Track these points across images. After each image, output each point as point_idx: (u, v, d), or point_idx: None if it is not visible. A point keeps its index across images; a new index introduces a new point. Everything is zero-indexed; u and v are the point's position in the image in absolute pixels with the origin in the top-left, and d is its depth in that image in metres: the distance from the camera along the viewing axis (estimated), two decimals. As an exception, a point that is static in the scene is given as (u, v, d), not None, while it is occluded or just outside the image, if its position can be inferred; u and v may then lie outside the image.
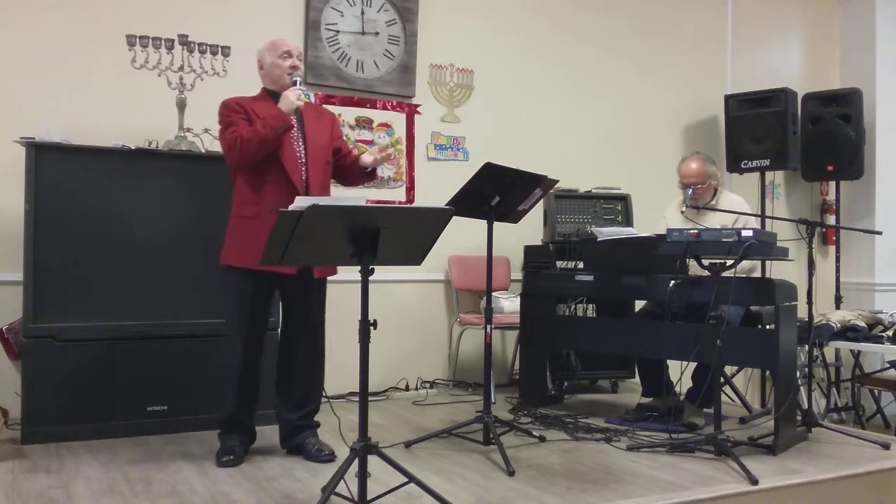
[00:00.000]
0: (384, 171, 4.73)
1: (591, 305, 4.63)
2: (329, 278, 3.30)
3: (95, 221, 3.49)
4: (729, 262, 3.28)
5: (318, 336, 3.26)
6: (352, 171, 3.34)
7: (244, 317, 3.11)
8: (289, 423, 3.22)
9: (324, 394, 3.30)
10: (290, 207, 2.32)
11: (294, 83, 3.11)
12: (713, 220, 3.91)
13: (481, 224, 3.39)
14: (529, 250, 4.82)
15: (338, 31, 4.60)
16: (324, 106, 4.42)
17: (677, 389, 3.80)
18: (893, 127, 6.06)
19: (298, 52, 3.25)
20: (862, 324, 4.72)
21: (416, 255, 2.65)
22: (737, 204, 4.00)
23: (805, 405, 3.83)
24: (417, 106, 4.86)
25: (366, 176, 3.35)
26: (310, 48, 4.48)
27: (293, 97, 3.05)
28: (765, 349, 3.43)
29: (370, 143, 4.69)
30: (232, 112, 3.12)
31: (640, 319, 4.08)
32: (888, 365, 5.04)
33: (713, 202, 4.04)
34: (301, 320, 3.20)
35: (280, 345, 3.27)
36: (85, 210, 3.48)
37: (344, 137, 3.38)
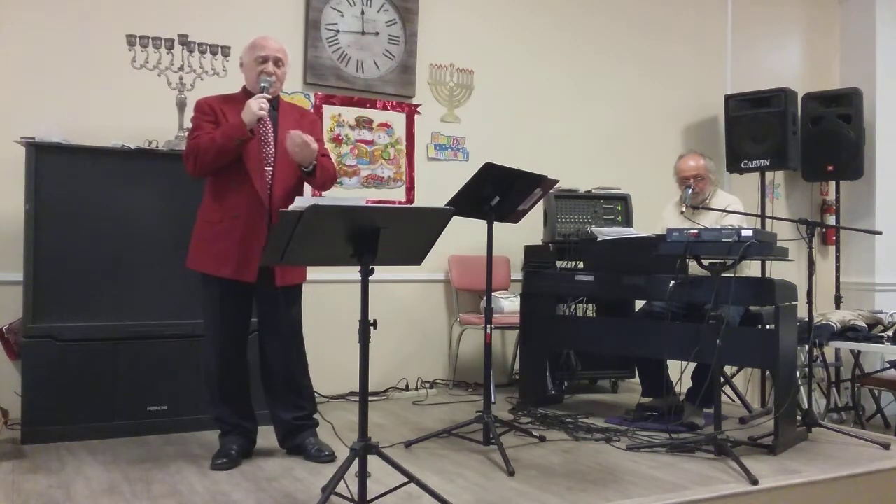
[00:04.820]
0: (384, 172, 4.73)
1: (591, 305, 4.64)
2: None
3: (95, 221, 3.49)
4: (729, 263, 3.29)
5: (295, 343, 3.18)
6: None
7: (216, 321, 3.08)
8: (286, 424, 3.20)
9: (321, 395, 3.28)
10: (291, 207, 2.32)
11: (262, 90, 2.98)
12: (710, 219, 3.92)
13: (481, 224, 3.39)
14: (529, 250, 4.82)
15: (338, 31, 4.60)
16: (324, 105, 4.43)
17: (677, 389, 3.81)
18: (893, 127, 6.06)
19: (276, 57, 3.05)
20: (862, 324, 4.73)
21: (416, 255, 2.65)
22: (732, 204, 4.01)
23: (805, 405, 3.83)
24: (417, 106, 4.86)
25: (306, 176, 3.07)
26: (310, 48, 4.48)
27: (255, 107, 2.88)
28: (765, 349, 3.43)
29: (370, 143, 4.69)
30: (201, 114, 3.04)
31: (640, 319, 4.08)
32: (888, 365, 5.04)
33: (708, 201, 4.05)
34: (271, 328, 3.14)
35: (259, 349, 3.22)
36: (85, 210, 3.48)
37: (325, 143, 3.14)
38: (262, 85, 3.01)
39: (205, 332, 3.14)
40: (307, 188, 3.30)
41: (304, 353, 3.23)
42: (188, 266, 3.10)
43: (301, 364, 3.21)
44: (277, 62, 3.08)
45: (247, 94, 3.11)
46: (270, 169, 3.05)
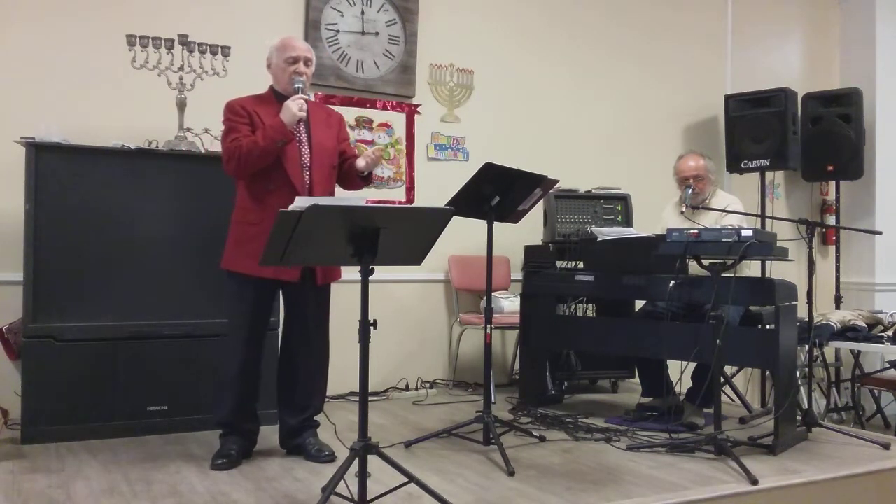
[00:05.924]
0: (384, 172, 4.73)
1: (591, 305, 4.64)
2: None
3: (95, 221, 3.49)
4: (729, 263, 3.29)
5: (321, 342, 3.22)
6: (349, 175, 3.26)
7: (245, 322, 3.08)
8: (289, 426, 3.21)
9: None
10: (291, 207, 2.32)
11: (296, 90, 3.01)
12: (710, 219, 3.92)
13: (481, 224, 3.39)
14: (529, 250, 4.82)
15: (338, 31, 4.60)
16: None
17: (677, 389, 3.80)
18: (893, 127, 6.06)
19: (306, 57, 3.10)
20: (862, 324, 4.72)
21: (416, 255, 2.65)
22: (732, 204, 4.01)
23: (805, 405, 3.83)
24: (417, 106, 4.86)
25: (362, 180, 3.26)
26: (310, 48, 4.49)
27: (295, 108, 2.94)
28: (765, 349, 3.43)
29: (370, 143, 4.69)
30: (235, 116, 3.05)
31: (640, 319, 4.08)
32: (888, 365, 5.04)
33: (707, 201, 4.05)
34: (303, 326, 3.15)
35: (281, 349, 3.24)
36: (85, 210, 3.48)
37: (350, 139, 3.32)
38: (297, 86, 3.03)
39: (230, 333, 3.13)
40: None
41: (328, 353, 3.26)
42: (224, 267, 3.10)
43: (324, 363, 3.25)
44: (307, 62, 3.11)
45: (275, 94, 3.13)
46: (308, 169, 3.08)
